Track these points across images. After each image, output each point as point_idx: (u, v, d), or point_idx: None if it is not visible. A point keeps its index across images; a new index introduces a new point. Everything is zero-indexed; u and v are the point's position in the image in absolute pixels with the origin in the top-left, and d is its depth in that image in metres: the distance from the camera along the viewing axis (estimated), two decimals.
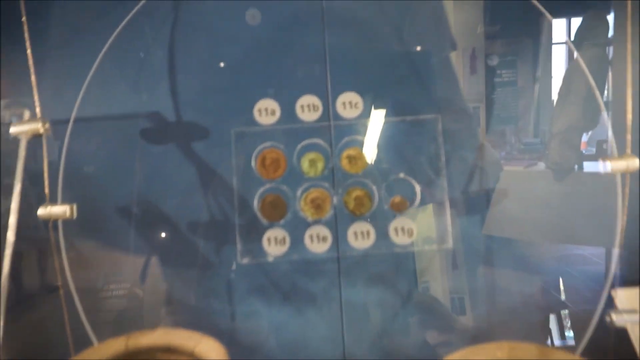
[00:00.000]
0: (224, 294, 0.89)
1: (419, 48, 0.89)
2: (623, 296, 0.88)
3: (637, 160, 0.77)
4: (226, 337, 0.88)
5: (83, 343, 0.81)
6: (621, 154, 0.87)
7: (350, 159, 0.82)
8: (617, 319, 0.80)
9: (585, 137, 0.89)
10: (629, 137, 0.81)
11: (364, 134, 0.83)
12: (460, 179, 0.87)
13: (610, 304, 0.88)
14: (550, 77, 0.88)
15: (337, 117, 0.82)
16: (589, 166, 0.88)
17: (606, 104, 0.85)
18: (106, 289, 0.91)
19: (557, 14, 0.87)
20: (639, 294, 0.84)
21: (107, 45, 0.83)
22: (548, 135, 0.87)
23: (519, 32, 0.88)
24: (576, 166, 0.87)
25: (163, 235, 0.89)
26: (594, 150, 0.87)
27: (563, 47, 0.89)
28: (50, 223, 0.79)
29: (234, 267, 0.84)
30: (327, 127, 0.82)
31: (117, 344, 0.65)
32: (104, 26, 0.84)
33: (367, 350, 0.88)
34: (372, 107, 0.84)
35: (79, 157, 0.85)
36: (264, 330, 0.90)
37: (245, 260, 0.81)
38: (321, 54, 0.84)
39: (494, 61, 0.88)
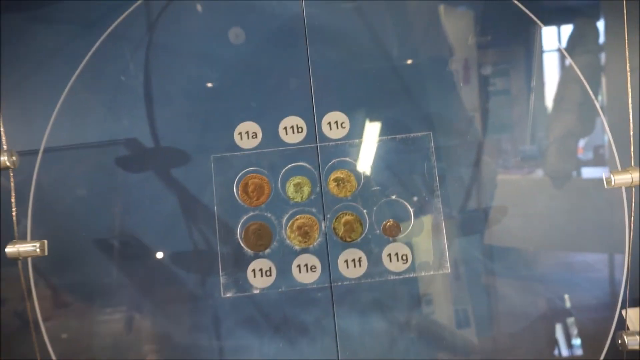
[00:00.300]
0: (210, 328, 0.84)
1: (409, 61, 0.85)
2: (634, 316, 0.84)
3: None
4: None
5: None
6: (622, 161, 0.84)
7: (339, 182, 0.77)
8: (629, 341, 0.75)
9: (581, 143, 0.86)
10: (632, 149, 0.77)
11: (352, 155, 0.78)
12: (456, 197, 0.82)
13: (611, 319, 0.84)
14: (544, 84, 0.85)
15: (323, 138, 0.78)
16: (587, 172, 0.86)
17: (601, 109, 0.82)
18: (85, 327, 0.85)
19: (547, 22, 0.84)
20: None
21: (78, 71, 0.80)
22: (544, 142, 0.83)
23: (510, 41, 0.85)
24: (574, 172, 0.85)
25: (144, 268, 0.84)
26: (590, 155, 0.85)
27: (555, 55, 0.86)
28: (20, 262, 0.75)
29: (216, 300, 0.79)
30: (313, 149, 0.78)
31: None
32: (74, 52, 0.81)
33: None
34: (360, 127, 0.80)
35: (51, 189, 0.81)
36: None
37: (228, 294, 0.76)
38: (304, 72, 0.81)
39: (487, 70, 0.84)
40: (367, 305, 0.82)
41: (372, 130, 0.79)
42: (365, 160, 0.79)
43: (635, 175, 0.74)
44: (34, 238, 0.78)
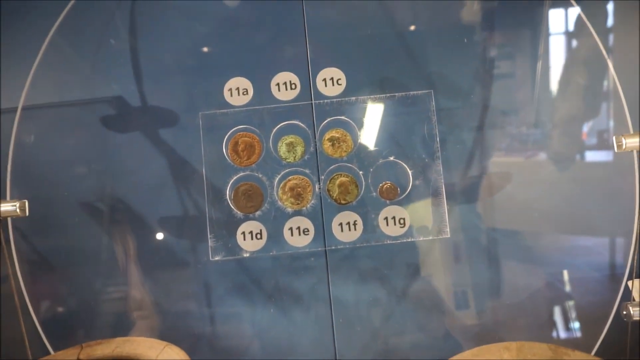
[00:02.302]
0: (201, 295, 0.81)
1: (413, 27, 0.81)
2: None
3: None
4: (205, 342, 0.80)
5: (42, 352, 0.74)
6: (635, 128, 0.80)
7: (334, 141, 0.73)
8: (634, 312, 0.73)
9: (585, 128, 0.83)
10: None
11: (349, 114, 0.74)
12: (458, 163, 0.79)
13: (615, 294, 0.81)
14: (549, 67, 0.82)
15: (318, 95, 0.74)
16: (590, 156, 0.84)
17: (606, 93, 0.79)
18: (70, 293, 0.83)
19: (554, 4, 0.80)
20: None
21: (57, 23, 0.75)
22: (549, 125, 0.80)
23: (516, 23, 0.82)
24: (578, 155, 0.83)
25: (132, 233, 0.81)
26: (594, 140, 0.83)
27: (562, 38, 0.82)
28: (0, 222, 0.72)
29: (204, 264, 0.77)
30: (307, 106, 0.74)
31: (69, 356, 0.57)
32: (54, 3, 0.76)
33: (359, 352, 0.81)
34: (357, 84, 0.75)
35: (32, 149, 0.77)
36: (246, 334, 0.82)
37: (217, 258, 0.73)
38: (299, 26, 0.76)
39: (492, 52, 0.81)
40: (363, 272, 0.80)
41: (369, 88, 0.75)
42: (362, 119, 0.75)
43: None
44: (13, 199, 0.74)
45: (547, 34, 0.82)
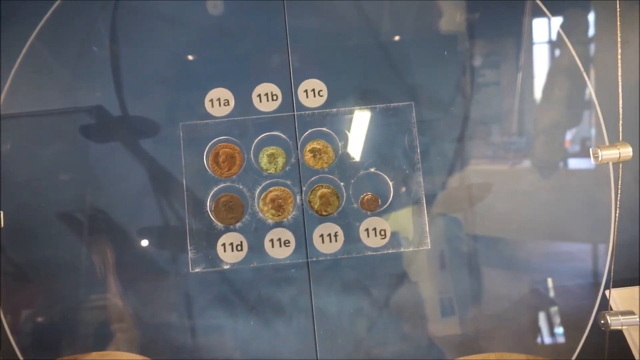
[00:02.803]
0: (182, 307, 0.80)
1: (397, 38, 0.81)
2: (617, 297, 0.82)
3: (630, 148, 0.71)
4: (186, 355, 0.79)
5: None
6: (610, 140, 0.82)
7: (315, 152, 0.74)
8: (612, 321, 0.73)
9: (568, 136, 0.85)
10: (620, 125, 0.75)
11: (330, 125, 0.75)
12: (438, 174, 0.80)
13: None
14: (533, 76, 0.84)
15: (300, 106, 0.74)
16: (573, 163, 0.85)
17: (588, 102, 0.81)
18: (47, 305, 0.81)
19: (537, 14, 0.81)
20: (639, 295, 0.77)
21: (37, 30, 0.75)
22: (532, 133, 0.82)
23: (501, 32, 0.83)
24: (561, 163, 0.84)
25: (112, 244, 0.80)
26: (577, 148, 0.84)
27: (545, 47, 0.84)
28: None
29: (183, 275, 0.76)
30: (288, 118, 0.74)
31: None
32: (34, 8, 0.75)
33: None
34: (339, 95, 0.76)
35: (10, 159, 0.76)
36: (228, 346, 0.82)
37: (197, 269, 0.72)
38: (281, 38, 0.76)
39: (477, 61, 0.82)
40: (345, 283, 0.80)
41: (351, 99, 0.76)
42: (344, 131, 0.75)
43: (624, 150, 0.72)
44: None
45: (530, 44, 0.84)
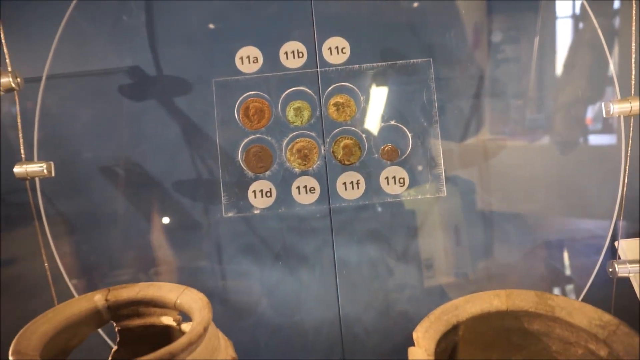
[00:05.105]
0: (213, 254, 0.86)
1: (415, 4, 0.84)
2: (626, 247, 0.86)
3: None
4: (217, 299, 0.86)
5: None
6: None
7: (338, 106, 0.78)
8: (619, 269, 0.77)
9: (590, 113, 0.86)
10: (633, 78, 0.77)
11: (352, 81, 0.79)
12: (454, 128, 0.83)
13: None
14: (554, 52, 0.84)
15: (324, 63, 0.79)
16: (594, 140, 0.86)
17: (610, 77, 0.82)
18: (90, 250, 0.88)
19: None
20: None
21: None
22: (552, 109, 0.83)
23: (521, 7, 0.84)
24: (581, 139, 0.85)
25: (149, 196, 0.86)
26: (599, 126, 0.85)
27: (567, 21, 0.84)
28: (27, 182, 0.77)
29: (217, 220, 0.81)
30: (313, 74, 0.78)
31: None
32: None
33: (362, 309, 0.86)
34: (361, 52, 0.80)
35: (55, 116, 0.82)
36: (256, 291, 0.88)
37: (230, 214, 0.78)
38: None
39: (497, 37, 0.84)
40: (365, 233, 0.84)
41: (372, 56, 0.79)
42: (365, 86, 0.79)
43: (635, 104, 0.74)
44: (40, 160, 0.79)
45: (554, 19, 0.85)
